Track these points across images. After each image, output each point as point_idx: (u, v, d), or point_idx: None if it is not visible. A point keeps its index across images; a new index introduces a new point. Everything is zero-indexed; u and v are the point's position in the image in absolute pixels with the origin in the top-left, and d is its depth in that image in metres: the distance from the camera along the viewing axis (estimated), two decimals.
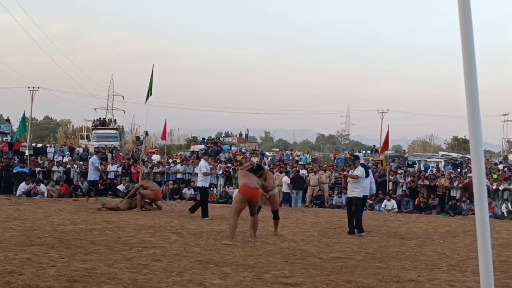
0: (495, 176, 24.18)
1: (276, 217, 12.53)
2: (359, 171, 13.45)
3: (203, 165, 16.70)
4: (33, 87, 38.42)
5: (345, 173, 13.88)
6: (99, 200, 19.91)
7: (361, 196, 13.76)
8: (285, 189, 23.26)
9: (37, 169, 25.91)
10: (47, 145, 41.39)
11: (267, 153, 41.80)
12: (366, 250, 10.44)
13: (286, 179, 23.45)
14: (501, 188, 22.63)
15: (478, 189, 2.52)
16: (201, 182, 16.65)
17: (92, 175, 21.45)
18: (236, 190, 11.80)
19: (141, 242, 10.38)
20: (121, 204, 17.93)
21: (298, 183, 23.98)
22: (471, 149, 2.53)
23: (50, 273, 6.99)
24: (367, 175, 14.35)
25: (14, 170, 24.11)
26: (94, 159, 22.13)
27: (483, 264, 2.54)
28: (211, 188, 25.26)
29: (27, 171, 24.38)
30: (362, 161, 14.89)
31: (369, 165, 22.74)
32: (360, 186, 13.39)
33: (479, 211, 2.53)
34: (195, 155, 33.61)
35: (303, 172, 25.29)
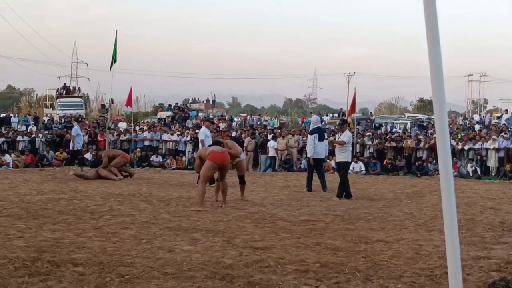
0: (460, 136, 24.54)
1: (242, 182, 12.56)
2: (346, 136, 13.34)
3: (202, 132, 16.16)
4: None
5: (331, 139, 13.85)
6: (70, 169, 19.76)
7: (349, 160, 13.84)
8: (272, 153, 23.53)
9: (1, 140, 25.48)
10: (11, 114, 40.64)
11: (235, 118, 41.76)
12: (334, 212, 10.54)
13: (273, 144, 23.70)
14: (466, 148, 23.00)
15: (442, 147, 2.52)
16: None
17: (75, 145, 21.20)
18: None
19: (110, 210, 10.32)
20: (100, 171, 17.69)
21: (265, 147, 24.13)
22: (434, 108, 2.52)
23: (18, 244, 6.91)
24: (321, 139, 14.51)
25: None
26: (74, 129, 21.81)
27: (447, 222, 2.55)
28: (180, 155, 25.20)
29: None
30: (318, 124, 14.96)
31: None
32: (347, 150, 13.36)
33: (443, 168, 2.53)
34: (162, 122, 33.42)
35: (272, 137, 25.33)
